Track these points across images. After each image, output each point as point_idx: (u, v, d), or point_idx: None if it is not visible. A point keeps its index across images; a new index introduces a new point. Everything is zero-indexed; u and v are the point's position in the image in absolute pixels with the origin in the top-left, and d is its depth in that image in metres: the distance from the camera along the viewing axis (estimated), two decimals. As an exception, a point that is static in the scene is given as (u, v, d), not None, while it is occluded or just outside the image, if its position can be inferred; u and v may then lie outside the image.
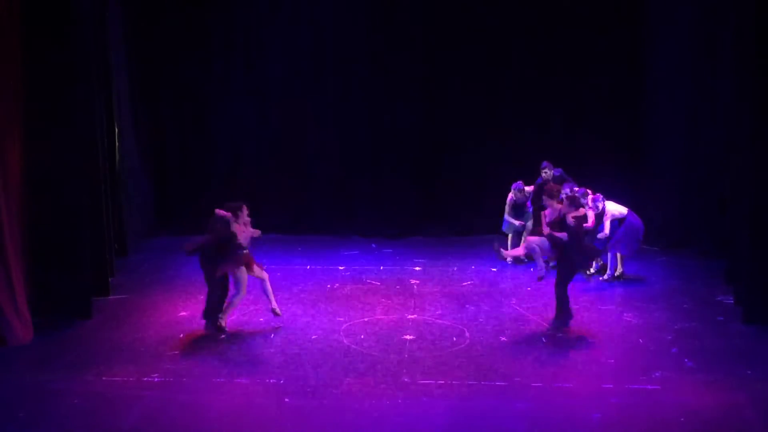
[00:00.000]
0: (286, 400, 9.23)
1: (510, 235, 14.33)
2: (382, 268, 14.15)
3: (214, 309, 11.09)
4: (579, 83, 15.57)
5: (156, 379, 9.73)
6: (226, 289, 11.22)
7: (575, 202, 11.24)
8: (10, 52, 11.01)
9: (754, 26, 11.14)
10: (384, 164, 16.06)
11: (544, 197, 11.46)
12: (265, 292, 11.33)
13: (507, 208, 14.21)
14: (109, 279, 12.76)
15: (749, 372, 9.85)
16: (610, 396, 9.27)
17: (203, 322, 11.22)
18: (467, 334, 11.09)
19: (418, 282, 13.28)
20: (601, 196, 12.86)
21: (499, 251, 12.00)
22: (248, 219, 11.06)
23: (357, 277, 13.61)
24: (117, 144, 14.25)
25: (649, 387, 9.48)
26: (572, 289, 12.80)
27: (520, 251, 12.33)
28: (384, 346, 10.69)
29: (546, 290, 12.82)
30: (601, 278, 13.23)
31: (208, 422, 8.79)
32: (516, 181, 14.18)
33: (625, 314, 11.79)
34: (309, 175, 16.17)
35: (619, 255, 13.19)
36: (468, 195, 15.81)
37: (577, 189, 12.98)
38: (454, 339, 10.94)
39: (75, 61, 11.58)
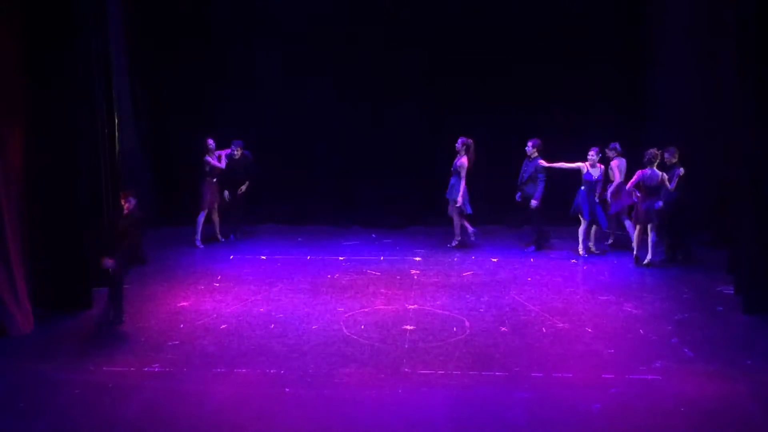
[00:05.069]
0: (286, 390, 9.24)
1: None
2: (382, 258, 14.15)
3: None
4: (580, 78, 15.53)
5: (156, 369, 9.75)
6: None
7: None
8: (10, 49, 11.00)
9: (755, 17, 11.13)
10: (384, 155, 16.03)
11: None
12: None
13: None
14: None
15: (749, 362, 9.86)
16: (610, 386, 9.28)
17: (204, 311, 11.33)
18: (467, 324, 11.10)
19: (418, 272, 13.28)
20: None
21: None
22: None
23: (357, 267, 13.60)
24: (117, 135, 14.21)
25: (649, 377, 9.49)
26: (572, 278, 12.92)
27: None
28: (384, 337, 10.70)
29: (545, 280, 12.85)
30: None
31: (208, 412, 8.80)
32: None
33: (625, 304, 11.79)
34: (309, 166, 16.14)
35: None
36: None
37: None
38: (454, 329, 10.95)
39: (75, 56, 11.57)
